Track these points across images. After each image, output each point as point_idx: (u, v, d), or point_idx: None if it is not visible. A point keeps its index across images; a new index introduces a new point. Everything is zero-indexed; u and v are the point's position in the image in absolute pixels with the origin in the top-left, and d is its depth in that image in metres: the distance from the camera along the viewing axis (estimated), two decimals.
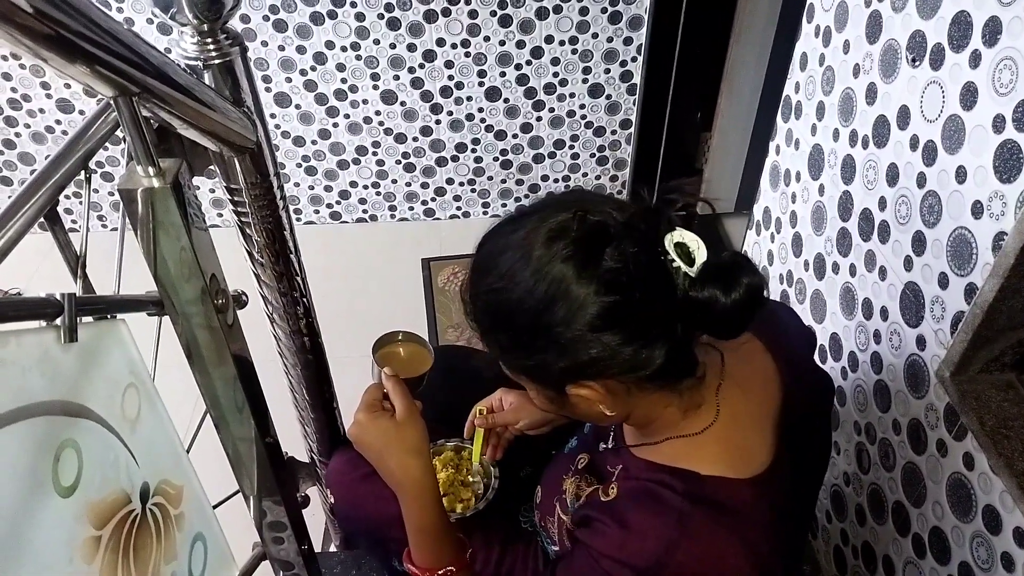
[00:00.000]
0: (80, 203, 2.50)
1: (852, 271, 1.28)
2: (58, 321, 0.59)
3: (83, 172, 0.80)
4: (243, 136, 0.88)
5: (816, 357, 1.42)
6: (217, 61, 0.85)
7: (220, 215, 2.53)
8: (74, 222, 2.50)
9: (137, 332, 0.77)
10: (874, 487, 1.25)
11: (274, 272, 1.04)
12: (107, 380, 0.67)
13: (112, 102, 0.62)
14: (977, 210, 0.95)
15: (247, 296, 1.05)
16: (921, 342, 1.09)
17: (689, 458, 0.74)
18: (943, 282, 1.03)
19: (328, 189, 2.51)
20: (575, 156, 2.49)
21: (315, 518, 1.50)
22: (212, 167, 0.94)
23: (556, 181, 2.55)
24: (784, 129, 1.50)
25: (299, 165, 2.44)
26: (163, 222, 0.69)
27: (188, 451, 0.88)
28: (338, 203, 2.55)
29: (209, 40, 0.84)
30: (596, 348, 0.66)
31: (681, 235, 0.66)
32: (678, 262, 0.65)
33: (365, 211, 2.59)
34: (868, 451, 1.26)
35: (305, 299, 1.11)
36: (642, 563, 0.69)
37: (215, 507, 0.93)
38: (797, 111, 1.44)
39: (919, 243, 1.08)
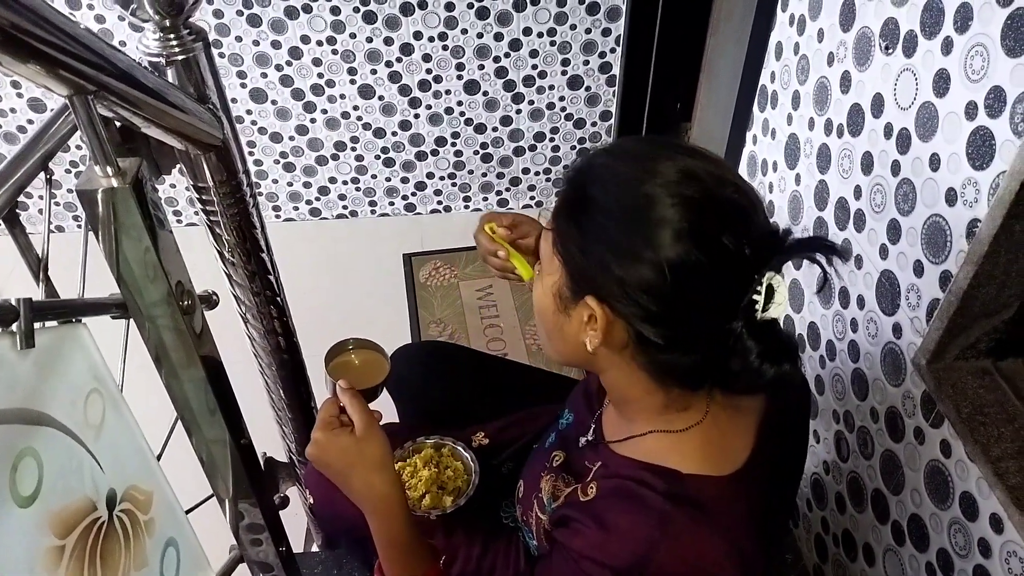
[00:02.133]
0: (49, 204, 2.47)
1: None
2: (14, 327, 0.58)
3: (43, 173, 0.78)
4: (208, 133, 0.86)
5: None
6: (180, 57, 0.83)
7: (197, 213, 2.50)
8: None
9: (107, 336, 0.76)
10: (853, 475, 1.26)
11: (246, 271, 1.03)
12: (68, 386, 0.66)
13: (68, 101, 0.61)
14: (951, 197, 0.95)
15: (218, 296, 1.04)
16: (897, 330, 1.09)
17: (670, 455, 0.73)
18: (918, 270, 1.03)
19: (307, 185, 2.49)
20: (555, 148, 2.48)
21: (297, 517, 1.49)
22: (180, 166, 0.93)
23: (537, 174, 2.54)
24: (760, 119, 1.50)
25: (277, 162, 2.41)
26: (124, 223, 0.68)
27: (160, 456, 0.87)
28: (317, 199, 2.53)
29: (171, 36, 0.82)
30: (644, 292, 0.63)
31: (778, 281, 0.63)
32: (758, 300, 0.62)
33: (345, 207, 2.56)
34: (847, 439, 1.26)
35: (279, 298, 1.09)
36: (622, 564, 0.68)
37: (189, 511, 0.92)
38: (773, 100, 1.44)
39: (894, 231, 1.08)
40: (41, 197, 0.80)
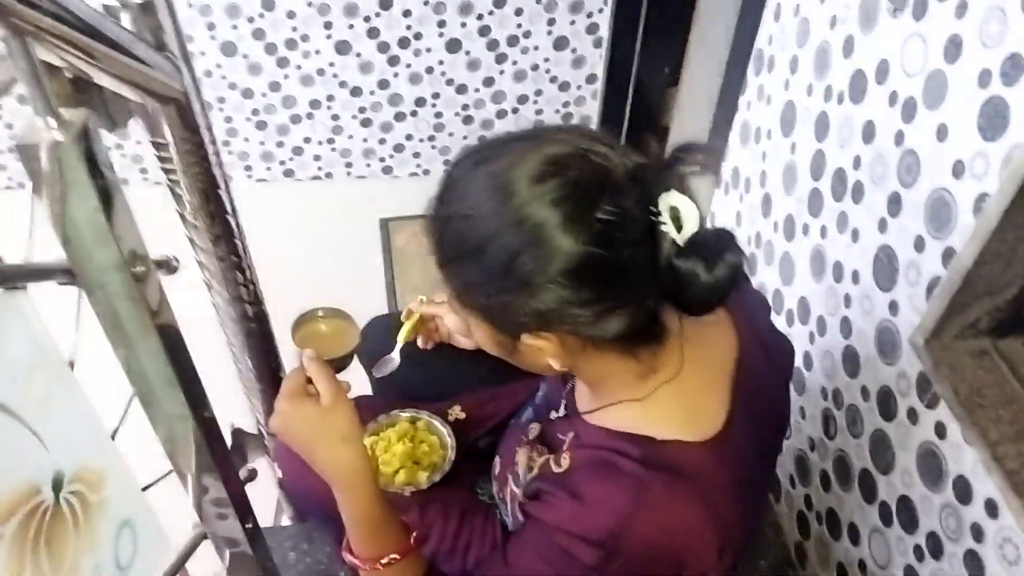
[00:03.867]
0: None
1: (823, 232, 1.23)
2: None
3: None
4: (167, 85, 0.79)
5: (783, 320, 1.39)
6: (137, 0, 0.76)
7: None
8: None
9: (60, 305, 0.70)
10: (840, 454, 1.23)
11: (209, 235, 0.96)
12: (6, 359, 0.60)
13: (3, 43, 0.54)
14: (958, 170, 0.90)
15: (178, 261, 0.97)
16: (894, 307, 1.06)
17: (643, 423, 0.70)
18: (919, 245, 0.99)
19: (280, 145, 2.39)
20: (539, 112, 2.41)
21: (267, 489, 1.44)
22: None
23: (524, 128, 2.47)
24: (755, 84, 1.44)
25: (248, 119, 2.31)
26: (69, 181, 0.61)
27: (115, 433, 0.81)
28: (291, 159, 2.44)
29: None
30: (566, 302, 0.61)
31: (678, 198, 0.61)
32: (669, 227, 0.60)
33: (320, 168, 2.48)
34: (835, 417, 1.24)
35: (245, 264, 1.02)
36: (597, 536, 0.66)
37: (146, 488, 0.87)
38: (769, 65, 1.38)
39: (895, 204, 1.03)
40: None
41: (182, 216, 0.94)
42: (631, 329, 0.64)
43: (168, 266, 0.96)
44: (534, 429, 0.87)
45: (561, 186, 0.59)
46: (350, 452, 0.79)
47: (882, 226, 1.07)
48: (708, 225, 0.63)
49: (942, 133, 0.93)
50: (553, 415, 0.85)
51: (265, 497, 1.42)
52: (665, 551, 0.66)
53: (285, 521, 1.49)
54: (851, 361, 1.18)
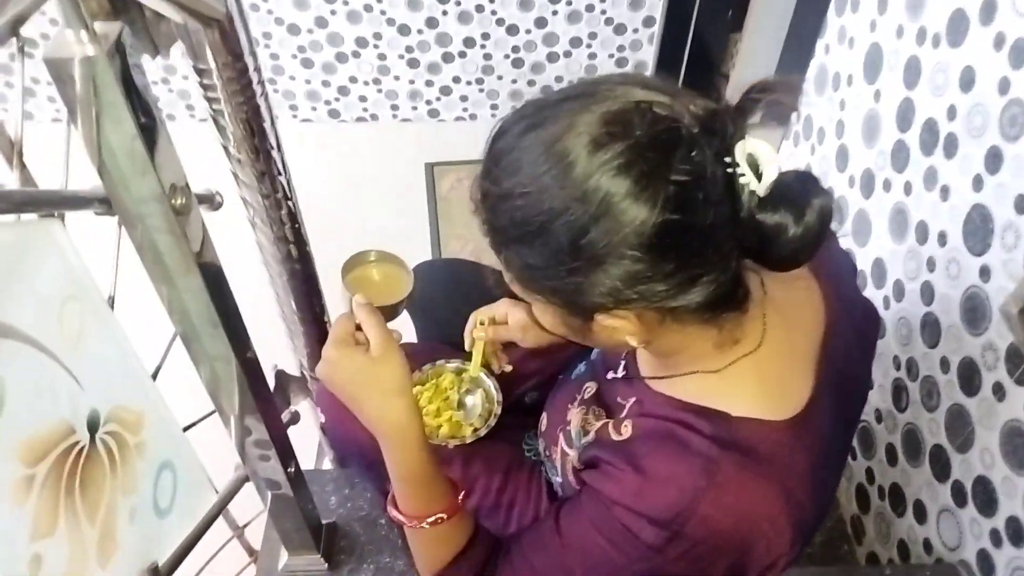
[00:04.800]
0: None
1: (907, 189, 1.14)
2: None
3: (15, 41, 0.66)
4: (208, 4, 0.74)
5: None
6: None
7: None
8: (5, 109, 2.34)
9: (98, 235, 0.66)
10: (911, 427, 1.16)
11: (254, 170, 0.91)
12: (37, 293, 0.56)
13: None
14: None
15: (222, 196, 0.93)
16: (985, 273, 0.97)
17: (718, 396, 0.64)
18: (1020, 206, 0.90)
19: (326, 84, 2.33)
20: (592, 56, 2.31)
21: (309, 431, 1.42)
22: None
23: (571, 83, 2.37)
24: (837, 25, 1.33)
25: (294, 56, 2.25)
26: (104, 102, 0.56)
27: (156, 373, 0.78)
28: (336, 100, 2.38)
29: None
30: (644, 276, 0.55)
31: (753, 143, 0.54)
32: (748, 177, 0.54)
33: (365, 109, 2.42)
34: (907, 388, 1.16)
35: (290, 202, 0.98)
36: (661, 515, 0.61)
37: (187, 429, 0.84)
38: (854, 5, 1.27)
39: (994, 160, 0.94)
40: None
41: (226, 149, 0.90)
42: (714, 297, 0.58)
43: (211, 201, 0.92)
44: (590, 388, 0.82)
45: (626, 150, 0.53)
46: (400, 406, 0.75)
47: (977, 183, 0.98)
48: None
49: None
50: (611, 376, 0.80)
51: (307, 439, 1.41)
52: (733, 537, 0.61)
53: (327, 465, 1.48)
54: (931, 329, 1.09)
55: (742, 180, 0.54)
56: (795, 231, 0.54)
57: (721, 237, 0.55)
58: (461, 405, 1.04)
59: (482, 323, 1.00)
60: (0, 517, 0.50)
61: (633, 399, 0.72)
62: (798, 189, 0.55)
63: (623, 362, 0.79)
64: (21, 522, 0.52)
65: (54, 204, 0.58)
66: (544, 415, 0.93)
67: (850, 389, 0.75)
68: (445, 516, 0.76)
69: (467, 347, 1.02)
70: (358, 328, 0.79)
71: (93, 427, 0.63)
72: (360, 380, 0.76)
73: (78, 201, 0.61)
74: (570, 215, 0.54)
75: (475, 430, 1.00)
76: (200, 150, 0.93)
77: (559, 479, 0.87)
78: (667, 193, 0.52)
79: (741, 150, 0.54)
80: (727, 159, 0.54)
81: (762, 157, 0.54)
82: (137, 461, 0.70)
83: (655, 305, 0.58)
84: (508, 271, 0.64)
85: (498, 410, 1.02)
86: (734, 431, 0.62)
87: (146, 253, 0.68)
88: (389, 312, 0.84)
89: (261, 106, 0.86)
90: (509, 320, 0.99)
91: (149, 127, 0.59)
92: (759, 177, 0.54)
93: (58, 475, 0.58)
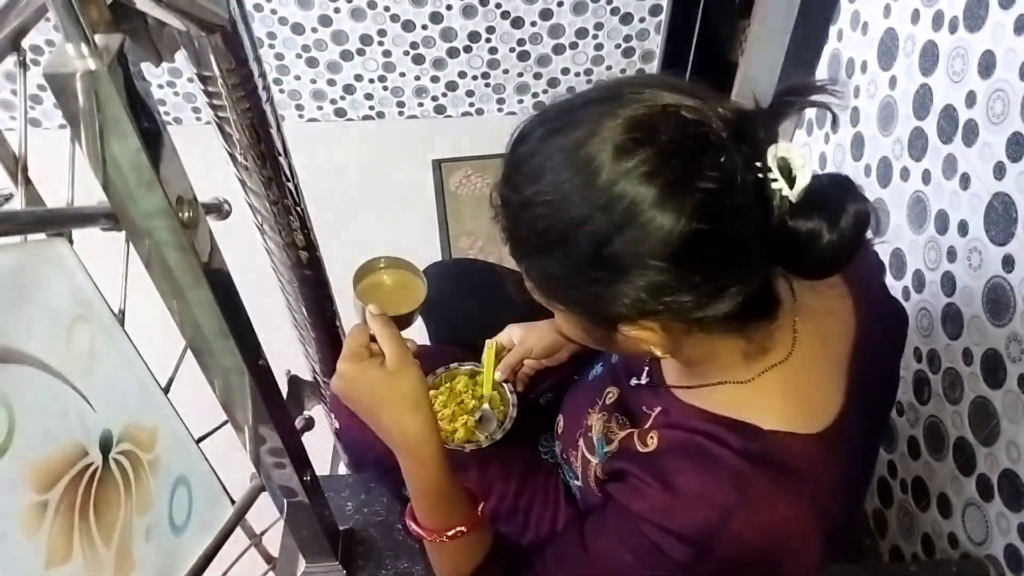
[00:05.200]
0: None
1: (926, 178, 1.12)
2: None
3: (15, 54, 0.65)
4: (211, 11, 0.72)
5: None
6: None
7: None
8: (12, 117, 2.33)
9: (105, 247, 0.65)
10: (933, 420, 1.14)
11: (261, 177, 0.90)
12: (45, 313, 0.55)
13: None
14: None
15: (230, 205, 0.92)
16: (1008, 263, 0.95)
17: (747, 407, 0.62)
18: None
19: (331, 83, 2.32)
20: (599, 47, 2.28)
21: (323, 434, 1.42)
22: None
23: (577, 75, 2.35)
24: (849, 10, 1.31)
25: (299, 56, 2.24)
26: (107, 117, 0.55)
27: (168, 387, 0.77)
28: (342, 98, 2.37)
29: None
30: (670, 287, 0.53)
31: (786, 148, 0.52)
32: (780, 182, 0.51)
33: (371, 107, 2.40)
34: (929, 381, 1.14)
35: (299, 208, 0.97)
36: (691, 533, 0.59)
37: (201, 440, 0.83)
38: None
39: (1016, 147, 0.92)
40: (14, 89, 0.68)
41: (232, 156, 0.88)
42: (743, 306, 0.56)
43: (219, 210, 0.91)
44: (611, 394, 0.80)
45: (653, 156, 0.51)
46: (417, 420, 0.74)
47: (999, 171, 0.95)
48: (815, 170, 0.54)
49: None
50: (634, 382, 0.78)
51: (322, 444, 1.40)
52: (764, 553, 0.59)
53: (342, 469, 1.48)
54: (953, 321, 1.07)
55: (774, 186, 0.52)
56: (829, 238, 0.52)
57: (751, 246, 0.53)
58: (476, 413, 1.03)
59: (491, 346, 1.03)
60: (13, 547, 0.49)
61: (658, 408, 0.70)
62: (833, 194, 0.53)
63: (646, 368, 0.77)
64: (35, 550, 0.51)
65: (60, 223, 0.57)
66: (561, 417, 0.92)
67: (880, 394, 0.73)
68: (464, 529, 0.75)
69: (484, 360, 1.04)
70: (372, 339, 0.77)
71: (106, 448, 0.62)
72: (376, 395, 0.74)
73: (84, 218, 0.60)
74: (593, 224, 0.52)
75: (490, 435, 0.99)
76: (207, 154, 0.92)
77: (578, 483, 0.86)
78: (695, 201, 0.50)
79: (772, 154, 0.52)
80: (758, 164, 0.52)
81: (795, 161, 0.52)
82: (151, 479, 0.69)
83: (681, 316, 0.56)
84: (529, 279, 0.62)
85: (514, 413, 1.00)
86: (765, 445, 0.60)
87: (154, 267, 0.66)
88: (403, 321, 0.82)
89: (267, 111, 0.85)
90: (516, 342, 1.01)
91: (154, 140, 0.58)
92: (791, 182, 0.52)
93: (72, 499, 0.57)
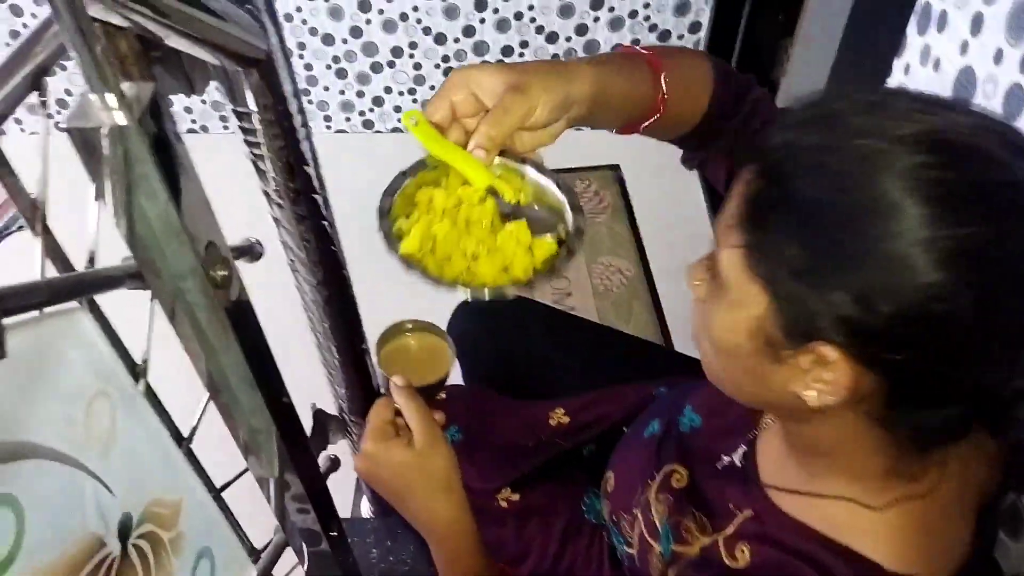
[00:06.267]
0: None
1: None
2: None
3: (35, 94, 0.60)
4: (248, 44, 0.67)
5: None
6: None
7: None
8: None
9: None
10: None
11: (294, 215, 0.84)
12: (62, 397, 0.49)
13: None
14: None
15: (262, 246, 0.87)
16: None
17: (870, 539, 0.53)
18: None
19: (360, 95, 2.27)
20: None
21: (346, 472, 1.36)
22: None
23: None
24: (919, 44, 1.23)
25: (328, 67, 2.19)
26: (137, 175, 0.49)
27: (189, 441, 0.71)
28: (371, 111, 2.31)
29: None
30: (932, 334, 0.44)
31: None
32: None
33: (400, 120, 2.35)
34: None
35: (333, 247, 0.91)
36: None
37: (220, 490, 0.77)
38: (940, 22, 1.17)
39: None
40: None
41: (266, 194, 0.83)
42: (929, 417, 0.48)
43: (251, 252, 0.86)
44: (679, 477, 0.71)
45: (974, 185, 0.43)
46: (449, 503, 0.69)
47: None
48: None
49: None
50: (724, 461, 0.68)
51: (344, 478, 1.35)
52: None
53: (364, 504, 1.42)
54: None
55: None
56: None
57: (1006, 356, 0.45)
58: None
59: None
60: None
61: (749, 512, 0.61)
62: None
63: (743, 449, 0.67)
64: None
65: (83, 290, 0.51)
66: (611, 475, 0.84)
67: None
68: None
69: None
70: (397, 413, 0.72)
71: (124, 534, 0.56)
72: (404, 477, 0.70)
73: (108, 282, 0.54)
74: (868, 216, 0.44)
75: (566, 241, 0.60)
76: (236, 165, 0.85)
77: (629, 551, 0.78)
78: (996, 262, 0.43)
79: None
80: None
81: None
82: (172, 558, 0.64)
83: (889, 378, 0.46)
84: (747, 244, 0.50)
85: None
86: None
87: (183, 328, 0.61)
88: (430, 392, 0.77)
89: (305, 152, 0.79)
90: (490, 96, 0.65)
91: (187, 197, 0.52)
92: None
93: None
